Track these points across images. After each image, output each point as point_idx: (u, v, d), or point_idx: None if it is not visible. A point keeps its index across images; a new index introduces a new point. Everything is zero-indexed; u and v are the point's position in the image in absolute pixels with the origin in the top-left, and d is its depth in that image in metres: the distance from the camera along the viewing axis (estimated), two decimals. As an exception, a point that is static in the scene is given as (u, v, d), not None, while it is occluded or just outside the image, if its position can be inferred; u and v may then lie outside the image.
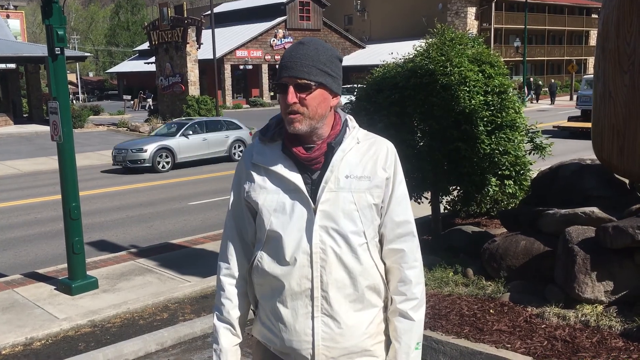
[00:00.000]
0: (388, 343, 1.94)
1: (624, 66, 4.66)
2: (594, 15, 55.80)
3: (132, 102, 40.02)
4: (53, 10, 5.58)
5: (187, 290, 5.96)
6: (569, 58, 51.34)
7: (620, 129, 4.74)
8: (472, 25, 45.10)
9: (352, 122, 1.91)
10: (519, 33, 44.93)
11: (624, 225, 4.17)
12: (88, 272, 6.19)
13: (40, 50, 25.90)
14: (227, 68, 41.95)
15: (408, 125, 5.91)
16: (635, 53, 4.54)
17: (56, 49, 5.62)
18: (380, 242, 1.91)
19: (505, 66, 6.35)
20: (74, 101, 41.38)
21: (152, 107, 34.55)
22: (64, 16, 5.77)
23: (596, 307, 4.18)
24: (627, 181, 5.17)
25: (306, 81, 1.77)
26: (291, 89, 1.77)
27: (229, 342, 1.93)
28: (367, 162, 1.85)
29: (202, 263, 6.85)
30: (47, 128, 22.40)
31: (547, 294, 4.47)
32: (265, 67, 43.72)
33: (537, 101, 38.31)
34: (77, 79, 53.74)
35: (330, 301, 1.80)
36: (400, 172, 1.91)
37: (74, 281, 5.96)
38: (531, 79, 40.83)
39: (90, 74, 74.75)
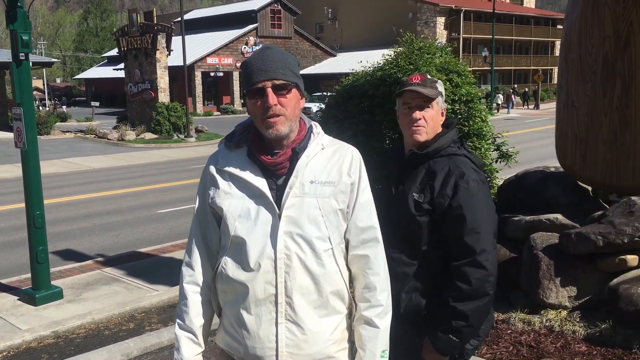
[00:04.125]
0: (352, 350, 1.93)
1: (586, 76, 4.77)
2: (560, 26, 57.07)
3: (47, 108, 41.33)
4: (17, 15, 5.48)
5: (154, 299, 5.88)
6: (535, 68, 52.36)
7: (582, 138, 4.85)
8: (442, 34, 45.71)
9: (317, 128, 1.91)
10: (487, 43, 45.67)
11: (586, 232, 4.26)
12: (53, 282, 6.06)
13: (5, 55, 25.35)
14: (198, 75, 41.70)
15: (377, 133, 5.95)
16: (596, 63, 4.65)
17: (20, 54, 5.52)
18: (346, 248, 1.89)
19: (473, 75, 6.45)
20: (40, 107, 40.80)
21: (65, 112, 37.26)
22: (29, 21, 5.66)
23: (560, 312, 4.26)
24: (589, 188, 5.28)
25: (284, 81, 1.77)
26: (269, 91, 1.76)
27: (191, 352, 1.91)
28: (331, 167, 1.84)
29: (171, 271, 6.76)
30: (11, 135, 21.88)
31: (512, 300, 4.54)
32: (236, 74, 43.58)
33: (537, 107, 41.98)
34: (44, 85, 52.78)
35: (294, 307, 1.79)
36: (365, 177, 1.90)
37: (38, 291, 5.83)
38: (515, 87, 44.20)
39: (58, 80, 73.52)
